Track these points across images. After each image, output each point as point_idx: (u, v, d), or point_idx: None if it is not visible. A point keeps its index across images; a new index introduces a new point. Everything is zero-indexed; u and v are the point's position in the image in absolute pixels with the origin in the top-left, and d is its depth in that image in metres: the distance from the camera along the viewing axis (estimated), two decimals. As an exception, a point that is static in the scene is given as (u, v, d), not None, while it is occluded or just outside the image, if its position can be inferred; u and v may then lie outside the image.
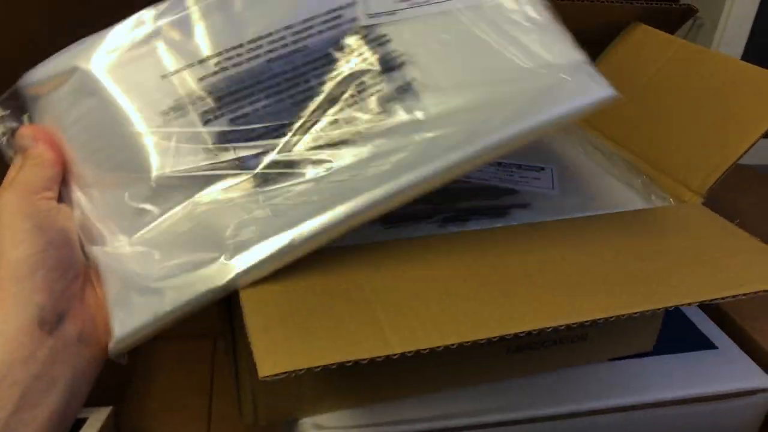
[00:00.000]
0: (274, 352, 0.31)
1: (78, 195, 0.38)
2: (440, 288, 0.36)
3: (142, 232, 0.37)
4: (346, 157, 0.37)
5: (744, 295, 0.35)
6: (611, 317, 0.34)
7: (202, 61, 0.38)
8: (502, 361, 0.46)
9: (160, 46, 0.38)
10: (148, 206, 0.37)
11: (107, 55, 0.38)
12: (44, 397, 0.32)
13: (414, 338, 0.33)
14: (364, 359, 0.31)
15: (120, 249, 0.37)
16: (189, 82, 0.38)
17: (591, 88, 0.38)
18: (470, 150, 0.36)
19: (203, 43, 0.38)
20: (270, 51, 0.38)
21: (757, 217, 0.63)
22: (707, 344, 0.50)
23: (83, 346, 0.35)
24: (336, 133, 0.37)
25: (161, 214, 0.37)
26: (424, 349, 0.32)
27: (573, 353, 0.47)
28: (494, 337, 0.33)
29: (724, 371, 0.48)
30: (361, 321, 0.33)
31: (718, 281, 0.37)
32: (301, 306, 0.34)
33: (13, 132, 0.40)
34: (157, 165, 0.37)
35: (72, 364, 0.34)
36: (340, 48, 0.39)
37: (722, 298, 0.35)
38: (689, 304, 0.35)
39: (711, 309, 0.54)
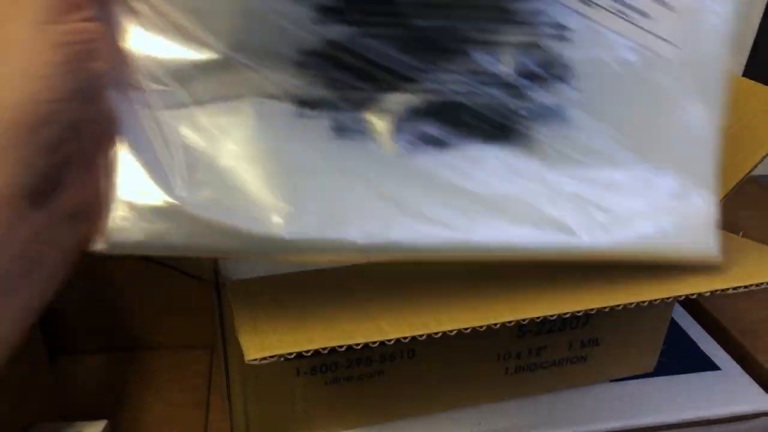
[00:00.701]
0: (261, 337, 0.30)
1: (121, 13, 0.29)
2: (438, 279, 0.35)
3: (185, 116, 0.30)
4: (443, 154, 0.33)
5: (746, 287, 0.35)
6: (619, 306, 0.34)
7: None
8: (501, 382, 0.45)
9: None
10: (194, 86, 0.30)
11: None
12: (22, 282, 0.26)
13: (410, 327, 0.32)
14: (357, 344, 0.30)
15: (155, 119, 0.29)
16: None
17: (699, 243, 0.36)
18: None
19: None
20: None
21: (757, 227, 0.62)
22: (709, 365, 0.49)
23: (77, 223, 0.28)
24: (453, 116, 0.33)
25: (218, 101, 0.30)
26: (420, 336, 0.31)
27: (573, 374, 0.47)
28: (494, 324, 0.32)
29: (726, 393, 0.47)
30: (356, 316, 0.33)
31: (724, 276, 0.36)
32: (292, 306, 0.33)
33: None
34: (237, 40, 0.29)
35: (59, 244, 0.28)
36: (513, 11, 0.33)
37: (725, 290, 0.35)
38: (694, 295, 0.35)
39: (714, 329, 0.53)
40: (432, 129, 0.33)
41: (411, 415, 0.44)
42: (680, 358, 0.50)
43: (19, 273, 0.26)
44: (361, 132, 0.32)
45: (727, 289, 0.35)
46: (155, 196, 0.28)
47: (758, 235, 0.61)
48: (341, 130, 0.32)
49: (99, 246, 0.28)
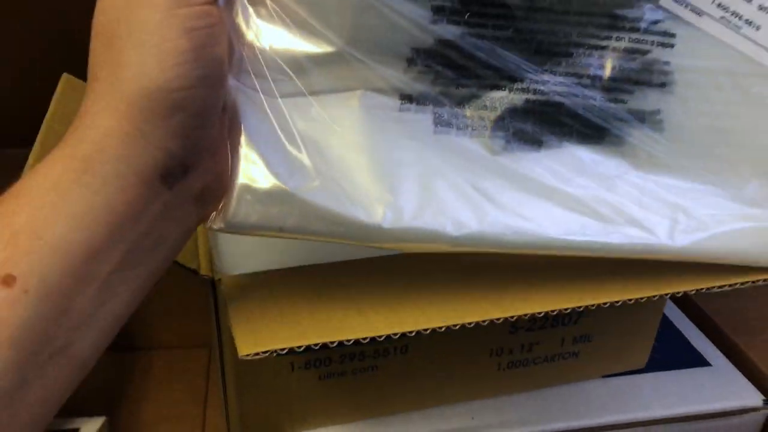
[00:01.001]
0: (255, 333, 0.31)
1: (242, 3, 0.31)
2: (431, 285, 0.36)
3: (301, 105, 0.31)
4: (539, 154, 0.34)
5: (735, 285, 0.37)
6: (606, 303, 0.35)
7: None
8: (494, 377, 0.45)
9: None
10: (309, 76, 0.31)
11: None
12: (149, 255, 0.28)
13: (400, 323, 0.33)
14: (348, 340, 0.31)
15: (270, 106, 0.31)
16: None
17: None
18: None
19: None
20: None
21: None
22: (701, 361, 0.50)
23: (199, 205, 0.30)
24: (550, 115, 0.34)
25: (330, 92, 0.32)
26: (410, 332, 0.32)
27: (565, 371, 0.47)
28: (483, 321, 0.33)
29: (717, 389, 0.48)
30: (347, 312, 0.33)
31: (715, 273, 0.37)
32: (286, 302, 0.34)
33: None
34: (354, 36, 0.31)
35: (182, 223, 0.30)
36: (623, 17, 0.33)
37: (714, 287, 0.36)
38: (681, 293, 0.36)
39: (705, 325, 0.54)
40: (530, 128, 0.34)
41: (404, 409, 0.44)
42: (672, 354, 0.51)
43: (147, 247, 0.28)
44: (461, 128, 0.33)
45: (722, 286, 0.36)
46: (270, 181, 0.30)
47: None
48: (442, 125, 0.33)
49: (217, 225, 0.31)
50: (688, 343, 0.52)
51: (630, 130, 0.35)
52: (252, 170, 0.30)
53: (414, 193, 0.32)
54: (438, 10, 0.31)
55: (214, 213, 0.31)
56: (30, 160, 0.39)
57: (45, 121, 0.40)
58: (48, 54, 0.46)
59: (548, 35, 0.33)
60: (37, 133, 0.40)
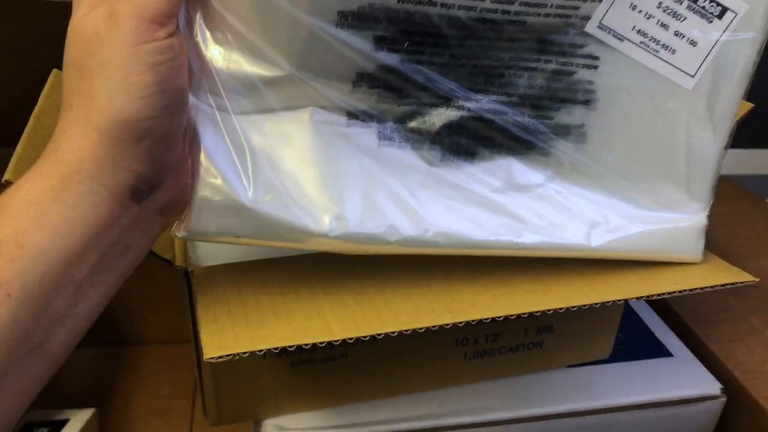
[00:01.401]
0: (221, 337, 0.33)
1: (203, 28, 0.33)
2: (389, 283, 0.39)
3: (254, 122, 0.34)
4: (472, 165, 0.38)
5: (680, 291, 0.39)
6: (573, 307, 0.37)
7: None
8: (459, 367, 0.47)
9: None
10: (262, 96, 0.34)
11: None
12: (117, 261, 0.32)
13: (356, 327, 0.35)
14: (306, 344, 0.33)
15: (226, 124, 0.34)
16: None
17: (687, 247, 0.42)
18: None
19: None
20: (489, 10, 0.34)
21: (725, 225, 0.64)
22: (663, 352, 0.52)
23: (163, 216, 0.33)
24: (482, 131, 0.37)
25: (282, 110, 0.34)
26: (365, 336, 0.34)
27: (530, 360, 0.49)
28: (433, 326, 0.35)
29: (677, 378, 0.50)
30: (308, 314, 0.36)
31: (674, 278, 0.41)
32: (252, 300, 0.37)
33: None
34: (303, 62, 0.34)
35: (148, 232, 0.33)
36: (552, 41, 0.36)
37: (674, 292, 0.39)
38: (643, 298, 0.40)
39: (669, 317, 0.56)
40: (464, 141, 0.37)
41: (374, 397, 0.46)
42: (635, 345, 0.53)
43: (117, 254, 0.31)
44: (402, 142, 0.37)
45: (680, 291, 0.39)
46: (226, 195, 0.33)
47: (727, 231, 0.64)
48: (384, 139, 0.36)
49: (180, 234, 0.34)
50: (652, 334, 0.54)
51: (555, 142, 0.38)
52: (210, 184, 0.33)
53: (357, 203, 0.35)
54: (379, 40, 0.34)
55: (177, 222, 0.34)
56: (18, 149, 0.40)
57: (33, 115, 0.42)
58: (36, 51, 0.47)
59: (481, 59, 0.36)
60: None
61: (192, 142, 0.33)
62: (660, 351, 0.52)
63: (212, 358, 0.32)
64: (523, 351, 0.49)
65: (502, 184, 0.38)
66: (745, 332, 0.53)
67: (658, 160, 0.40)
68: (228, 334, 0.34)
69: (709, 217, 0.42)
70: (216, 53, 0.33)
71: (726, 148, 0.41)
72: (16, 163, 0.39)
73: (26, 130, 0.42)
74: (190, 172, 0.33)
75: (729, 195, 0.75)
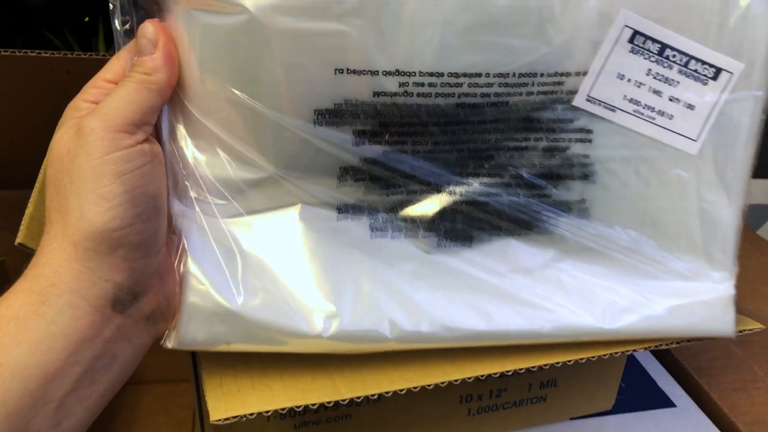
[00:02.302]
0: (227, 400, 0.33)
1: (183, 135, 0.33)
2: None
3: (240, 225, 0.34)
4: (470, 249, 0.36)
5: (688, 341, 0.39)
6: (580, 359, 0.36)
7: (388, 74, 0.32)
8: (464, 423, 0.47)
9: (350, 33, 0.31)
10: (246, 199, 0.34)
11: (286, 10, 0.30)
12: (103, 374, 0.30)
13: (364, 386, 0.34)
14: (313, 404, 0.33)
15: (214, 228, 0.33)
16: (362, 92, 0.32)
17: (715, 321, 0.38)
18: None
19: (400, 52, 0.32)
20: (468, 95, 0.33)
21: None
22: (666, 402, 0.52)
23: (150, 325, 0.32)
24: (477, 214, 0.36)
25: (269, 210, 0.34)
26: (372, 395, 0.34)
27: (533, 414, 0.49)
28: (442, 383, 0.35)
29: (680, 430, 0.50)
30: (315, 375, 0.35)
31: None
32: (257, 364, 0.35)
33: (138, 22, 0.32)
34: (285, 162, 0.33)
35: (134, 342, 0.32)
36: (539, 119, 0.35)
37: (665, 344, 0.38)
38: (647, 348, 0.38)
39: (671, 365, 0.56)
40: (459, 226, 0.36)
41: (376, 452, 0.46)
42: (638, 395, 0.52)
43: (102, 367, 0.30)
44: (395, 231, 0.35)
45: (687, 341, 0.38)
46: (215, 301, 0.32)
47: None
48: (377, 230, 0.35)
49: (170, 344, 0.33)
50: (655, 384, 0.54)
51: (557, 220, 0.37)
52: (198, 291, 0.32)
53: (352, 300, 0.34)
54: (359, 134, 0.33)
55: (168, 331, 0.33)
56: (29, 209, 0.39)
57: (42, 168, 0.40)
58: (37, 103, 0.48)
59: (467, 143, 0.35)
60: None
61: (178, 248, 0.33)
62: (663, 401, 0.52)
63: (218, 420, 0.31)
64: (527, 405, 0.48)
65: (504, 267, 0.36)
66: (747, 380, 0.53)
67: (670, 230, 0.38)
68: (235, 397, 0.33)
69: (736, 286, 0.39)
70: (199, 159, 0.33)
71: (743, 210, 0.39)
72: (28, 224, 0.38)
73: (36, 186, 0.41)
74: (178, 279, 0.33)
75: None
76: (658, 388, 0.53)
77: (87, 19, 0.81)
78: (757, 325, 0.40)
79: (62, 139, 0.30)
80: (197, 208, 0.33)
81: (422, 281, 0.35)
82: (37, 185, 0.40)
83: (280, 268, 0.34)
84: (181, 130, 0.33)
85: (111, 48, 0.75)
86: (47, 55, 0.45)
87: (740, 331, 0.39)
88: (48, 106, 0.46)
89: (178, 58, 0.32)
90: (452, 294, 0.35)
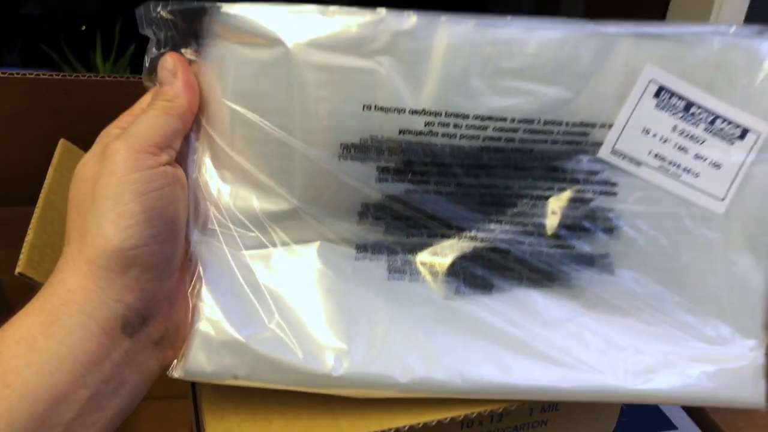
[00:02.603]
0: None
1: (208, 165, 0.34)
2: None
3: (258, 258, 0.34)
4: (490, 298, 0.36)
5: None
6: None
7: (414, 113, 0.33)
8: (464, 448, 0.47)
9: (381, 71, 0.32)
10: (267, 232, 0.34)
11: (320, 46, 0.32)
12: (110, 400, 0.30)
13: (366, 422, 0.34)
14: None
15: (232, 259, 0.34)
16: (389, 129, 0.33)
17: (743, 391, 0.37)
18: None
19: (428, 91, 0.33)
20: (492, 138, 0.34)
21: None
22: (667, 424, 0.52)
23: (158, 350, 0.32)
24: (498, 261, 0.36)
25: (289, 244, 0.35)
26: None
27: (534, 439, 0.49)
28: (444, 419, 0.34)
29: (681, 454, 0.50)
30: (316, 410, 0.34)
31: None
32: (257, 396, 0.35)
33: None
34: (308, 196, 0.34)
35: (143, 368, 0.32)
36: (563, 169, 0.35)
37: None
38: None
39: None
40: (479, 273, 0.35)
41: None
42: (640, 417, 0.52)
43: (109, 392, 0.30)
44: (413, 274, 0.35)
45: None
46: (226, 333, 0.32)
47: None
48: (395, 272, 0.35)
49: (177, 374, 0.33)
50: (656, 406, 0.54)
51: (579, 273, 0.36)
52: (210, 320, 0.32)
53: (365, 341, 0.34)
54: (383, 171, 0.34)
55: (176, 361, 0.33)
56: (29, 236, 0.40)
57: (43, 192, 0.41)
58: (36, 121, 0.49)
59: (490, 188, 0.35)
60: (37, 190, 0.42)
61: (193, 275, 0.33)
62: (664, 424, 0.52)
63: None
64: (529, 429, 0.48)
65: (524, 319, 0.36)
66: None
67: (697, 292, 0.37)
68: (235, 431, 0.33)
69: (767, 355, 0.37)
70: (223, 190, 0.34)
71: None
72: (29, 253, 0.38)
73: (36, 212, 0.41)
74: (190, 307, 0.33)
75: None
76: (660, 410, 0.53)
77: (84, 27, 0.80)
78: None
79: (88, 162, 0.31)
80: (217, 238, 0.33)
81: (439, 327, 0.35)
82: (36, 211, 0.41)
83: (295, 303, 0.34)
84: (207, 161, 0.34)
85: (108, 61, 0.75)
86: (45, 76, 0.46)
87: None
88: (46, 125, 0.49)
89: (197, 86, 0.33)
90: (470, 342, 0.35)
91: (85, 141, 0.37)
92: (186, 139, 0.34)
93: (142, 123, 0.31)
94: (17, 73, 0.45)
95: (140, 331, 0.31)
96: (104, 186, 0.30)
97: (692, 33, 0.34)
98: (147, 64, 0.34)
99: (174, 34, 0.33)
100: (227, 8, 0.32)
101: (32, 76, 0.46)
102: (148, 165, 0.30)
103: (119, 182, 0.30)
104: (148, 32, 0.33)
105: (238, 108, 0.33)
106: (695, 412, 0.53)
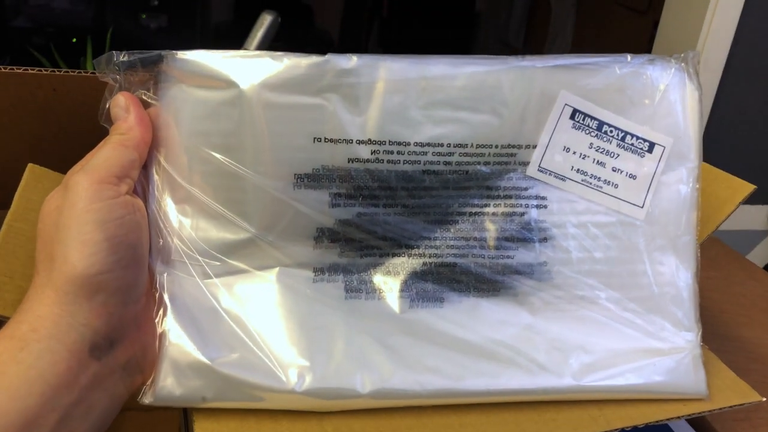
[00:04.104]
0: None
1: (166, 199, 0.36)
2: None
3: (220, 285, 0.36)
4: (442, 309, 0.38)
5: (689, 415, 0.40)
6: None
7: (361, 143, 0.36)
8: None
9: (328, 106, 0.36)
10: (227, 260, 0.36)
11: (271, 86, 0.35)
12: (79, 423, 0.31)
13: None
14: None
15: (195, 287, 0.35)
16: (338, 158, 0.36)
17: (686, 381, 0.39)
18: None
19: (371, 123, 0.36)
20: (432, 162, 0.37)
21: (718, 289, 0.64)
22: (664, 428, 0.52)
23: (126, 375, 0.33)
24: (446, 275, 0.38)
25: (243, 273, 0.36)
26: None
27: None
28: None
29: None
30: (308, 424, 0.35)
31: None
32: (252, 421, 0.35)
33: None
34: (265, 224, 0.36)
35: (111, 392, 0.32)
36: (497, 186, 0.39)
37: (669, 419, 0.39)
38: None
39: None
40: (430, 287, 0.38)
41: None
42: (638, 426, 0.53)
43: (78, 416, 0.31)
44: (369, 292, 0.37)
45: (689, 415, 0.39)
46: (192, 357, 0.34)
47: (719, 297, 0.63)
48: (352, 291, 0.37)
49: (147, 399, 0.34)
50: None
51: (521, 281, 0.39)
52: (176, 347, 0.34)
53: (325, 356, 0.35)
54: (336, 197, 0.37)
55: (145, 387, 0.34)
56: None
57: (6, 221, 0.39)
58: (23, 120, 0.46)
59: (434, 207, 0.38)
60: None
61: (160, 302, 0.35)
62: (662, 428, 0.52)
63: None
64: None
65: (474, 327, 0.38)
66: (750, 410, 0.52)
67: (633, 292, 0.40)
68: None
69: (702, 345, 0.40)
70: (184, 222, 0.36)
71: (696, 274, 0.41)
72: None
73: None
74: (157, 333, 0.35)
75: (716, 257, 0.73)
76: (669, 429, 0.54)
77: (75, 40, 0.79)
78: (756, 398, 0.40)
79: (52, 197, 0.33)
80: (180, 268, 0.35)
81: (395, 340, 0.37)
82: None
83: (257, 326, 0.36)
84: (167, 196, 0.36)
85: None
86: (33, 71, 0.44)
87: (741, 405, 0.40)
88: (34, 124, 0.47)
89: (149, 120, 0.36)
90: (424, 351, 0.37)
91: (73, 142, 0.37)
92: (145, 173, 0.36)
93: (100, 156, 0.33)
94: (4, 68, 0.43)
95: (108, 355, 0.32)
96: (68, 216, 0.31)
97: (595, 63, 0.39)
98: (105, 110, 0.36)
99: (133, 79, 0.36)
100: (182, 54, 0.35)
101: (20, 71, 0.44)
102: (109, 195, 0.32)
103: (81, 212, 0.31)
104: (108, 79, 0.36)
105: (194, 145, 0.35)
106: (696, 421, 0.53)
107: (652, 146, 0.40)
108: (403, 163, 0.37)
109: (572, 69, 0.39)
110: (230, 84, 0.35)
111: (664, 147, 0.40)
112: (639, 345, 0.39)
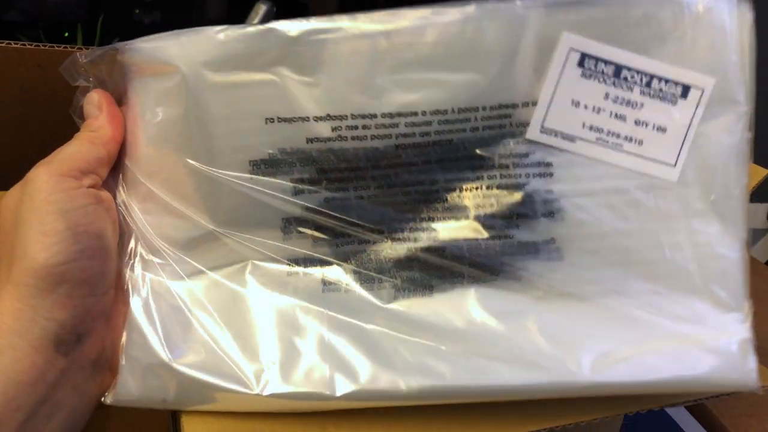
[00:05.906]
0: None
1: (129, 197, 0.34)
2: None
3: (185, 284, 0.34)
4: (431, 299, 0.33)
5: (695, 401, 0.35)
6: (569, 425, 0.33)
7: (319, 119, 0.32)
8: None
9: (278, 81, 0.32)
10: (192, 258, 0.34)
11: (213, 65, 0.32)
12: (46, 423, 0.30)
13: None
14: None
15: (160, 286, 0.33)
16: (296, 139, 0.32)
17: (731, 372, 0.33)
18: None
19: (328, 96, 0.32)
20: (405, 135, 0.32)
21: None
22: (676, 430, 0.49)
23: (97, 372, 0.32)
24: (435, 261, 0.34)
25: (211, 270, 0.34)
26: None
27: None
28: None
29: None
30: (307, 424, 0.33)
31: None
32: (246, 421, 0.33)
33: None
34: (223, 219, 0.33)
35: (81, 390, 0.31)
36: (490, 156, 0.33)
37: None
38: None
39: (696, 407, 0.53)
40: (417, 275, 0.33)
41: None
42: (646, 422, 0.49)
43: (45, 415, 0.30)
44: (350, 283, 0.34)
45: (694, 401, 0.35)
46: (152, 357, 0.32)
47: None
48: (329, 284, 0.34)
49: (109, 400, 0.32)
50: (663, 411, 0.51)
51: (524, 263, 0.33)
52: (137, 346, 0.32)
53: (295, 358, 0.32)
54: (298, 182, 0.33)
55: (111, 387, 0.33)
56: None
57: None
58: (18, 89, 0.45)
59: (415, 185, 0.33)
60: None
61: (126, 304, 0.33)
62: (672, 428, 0.50)
63: None
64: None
65: (468, 318, 0.33)
66: (758, 405, 0.49)
67: (659, 269, 0.33)
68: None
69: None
70: (146, 220, 0.33)
71: (745, 239, 0.33)
72: None
73: None
74: (123, 332, 0.33)
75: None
76: (667, 415, 0.51)
77: (67, 34, 0.82)
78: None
79: (11, 193, 0.32)
80: (144, 267, 0.33)
81: (378, 335, 0.33)
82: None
83: (223, 326, 0.33)
84: (128, 194, 0.34)
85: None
86: (17, 45, 0.42)
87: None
88: (18, 101, 0.45)
89: (122, 118, 0.34)
90: (412, 346, 0.33)
91: (59, 121, 0.36)
92: (114, 174, 0.34)
93: (65, 150, 0.32)
94: (-17, 43, 0.41)
95: (75, 350, 0.31)
96: (27, 209, 0.30)
97: None
98: (78, 106, 0.35)
99: (104, 78, 0.34)
100: (131, 44, 0.32)
101: (3, 44, 0.41)
102: (70, 186, 0.31)
103: (42, 203, 0.30)
104: (80, 82, 0.34)
105: (149, 139, 0.33)
106: (704, 417, 0.50)
107: (686, 90, 0.32)
108: (371, 139, 0.32)
109: (576, 5, 0.31)
110: (173, 68, 0.32)
111: (703, 90, 0.32)
112: (673, 334, 0.33)
